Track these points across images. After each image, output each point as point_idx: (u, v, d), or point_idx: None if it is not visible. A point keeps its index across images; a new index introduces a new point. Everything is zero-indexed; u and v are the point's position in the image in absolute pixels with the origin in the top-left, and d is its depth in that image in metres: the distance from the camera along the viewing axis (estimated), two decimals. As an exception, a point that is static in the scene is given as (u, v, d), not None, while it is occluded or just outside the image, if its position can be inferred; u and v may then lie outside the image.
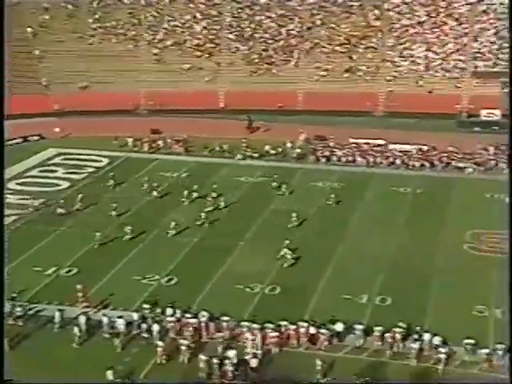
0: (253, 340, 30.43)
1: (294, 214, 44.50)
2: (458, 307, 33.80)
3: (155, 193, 49.88)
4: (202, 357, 29.35)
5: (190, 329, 31.60)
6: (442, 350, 29.61)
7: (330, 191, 49.78)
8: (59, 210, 46.29)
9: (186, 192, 48.82)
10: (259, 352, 29.46)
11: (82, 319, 32.17)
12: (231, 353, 29.64)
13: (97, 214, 46.38)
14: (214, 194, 48.57)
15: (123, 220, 44.99)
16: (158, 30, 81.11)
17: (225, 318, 32.10)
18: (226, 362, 29.04)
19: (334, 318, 31.99)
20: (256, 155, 58.13)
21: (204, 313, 32.65)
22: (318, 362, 28.77)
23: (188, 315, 32.57)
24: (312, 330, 31.24)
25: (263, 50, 78.14)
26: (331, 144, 59.89)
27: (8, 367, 24.26)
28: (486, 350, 29.70)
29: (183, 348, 30.35)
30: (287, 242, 40.11)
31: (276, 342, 30.78)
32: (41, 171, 55.12)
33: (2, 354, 24.88)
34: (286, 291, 35.92)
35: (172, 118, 67.37)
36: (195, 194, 48.78)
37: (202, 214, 44.86)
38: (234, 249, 41.08)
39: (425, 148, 57.85)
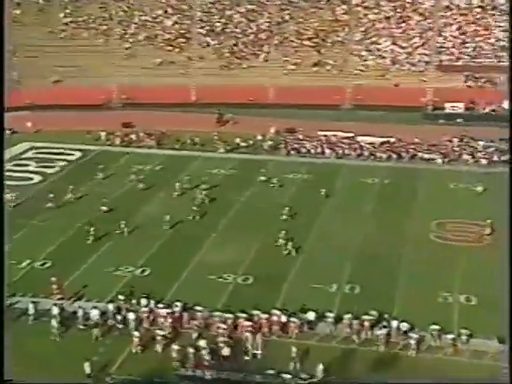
0: (224, 329, 30.60)
1: (264, 206, 44.48)
2: (424, 294, 34.28)
3: (141, 185, 49.61)
4: (175, 346, 29.43)
5: (164, 319, 31.61)
6: (414, 335, 30.00)
7: (300, 183, 50.05)
8: (49, 204, 45.83)
9: (178, 184, 48.64)
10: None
11: (55, 310, 32.00)
12: (202, 342, 29.72)
13: (74, 207, 46.17)
14: (204, 186, 48.62)
15: (99, 214, 44.79)
16: (130, 25, 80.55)
17: (198, 308, 32.18)
18: (203, 351, 29.12)
19: (305, 307, 32.26)
20: (228, 148, 58.16)
21: (178, 303, 32.69)
22: (294, 349, 28.98)
23: (161, 305, 32.57)
24: (283, 319, 31.46)
25: (233, 45, 78.06)
26: (301, 136, 60.19)
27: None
28: (451, 336, 30.19)
29: (158, 338, 30.37)
30: (283, 231, 40.31)
31: (249, 331, 30.93)
32: (13, 165, 54.45)
33: (2, 354, 24.82)
34: (259, 281, 36.07)
35: (144, 112, 67.01)
36: (180, 186, 48.62)
37: (194, 207, 44.61)
38: (206, 240, 41.12)
39: (392, 140, 58.43)
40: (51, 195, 46.70)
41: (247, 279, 36.44)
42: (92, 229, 40.86)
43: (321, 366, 28.13)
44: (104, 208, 45.02)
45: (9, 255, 37.96)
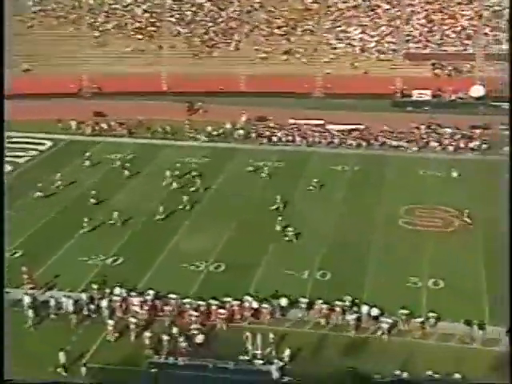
0: (197, 317, 30.66)
1: (236, 192, 44.59)
2: (393, 280, 34.59)
3: (126, 172, 49.46)
4: (147, 334, 29.38)
5: (137, 307, 31.51)
6: (387, 320, 30.26)
7: (272, 170, 50.12)
8: (37, 194, 45.24)
9: (168, 172, 48.32)
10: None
11: (27, 299, 31.69)
12: (174, 329, 29.69)
13: (43, 197, 45.67)
14: (195, 173, 48.71)
15: (69, 203, 44.38)
16: (99, 13, 79.52)
17: (171, 296, 32.12)
18: (179, 339, 29.08)
19: (278, 294, 32.35)
20: (199, 136, 57.89)
21: (150, 291, 32.58)
22: (271, 336, 29.03)
23: (134, 294, 32.43)
24: (255, 305, 31.54)
25: (204, 33, 77.52)
26: (271, 125, 60.16)
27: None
28: (420, 319, 30.54)
29: (131, 326, 30.27)
30: (280, 218, 40.48)
31: (223, 318, 31.00)
32: (-17, 155, 53.61)
33: (2, 354, 24.49)
34: (231, 268, 36.10)
35: (115, 101, 66.36)
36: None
37: (184, 197, 44.29)
38: (179, 228, 40.99)
39: (361, 127, 58.64)
40: (57, 180, 46.87)
41: (219, 267, 36.42)
42: (86, 219, 40.55)
43: (288, 351, 28.25)
44: (92, 200, 44.33)
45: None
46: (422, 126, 58.30)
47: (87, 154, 53.54)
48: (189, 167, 51.11)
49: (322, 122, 60.11)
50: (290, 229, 39.45)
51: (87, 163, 51.78)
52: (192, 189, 46.72)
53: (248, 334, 29.26)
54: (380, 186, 47.30)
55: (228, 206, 44.14)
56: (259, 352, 28.79)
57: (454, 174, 48.56)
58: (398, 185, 47.46)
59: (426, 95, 68.03)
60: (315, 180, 47.17)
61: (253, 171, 50.23)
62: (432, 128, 58.43)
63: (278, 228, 40.03)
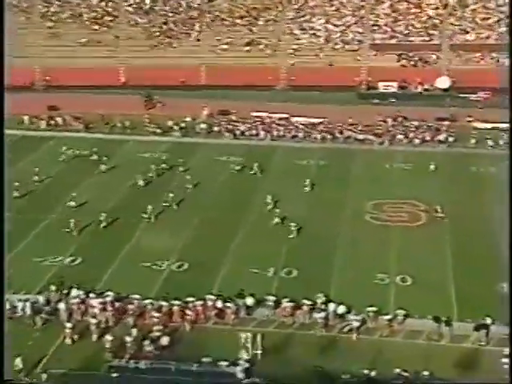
0: (159, 318, 30.65)
1: (199, 189, 44.74)
2: (360, 276, 34.93)
3: (102, 167, 49.26)
4: (108, 337, 29.20)
5: (96, 309, 31.31)
6: (356, 317, 30.60)
7: (235, 165, 50.23)
8: (15, 194, 44.66)
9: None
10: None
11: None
12: (134, 331, 29.61)
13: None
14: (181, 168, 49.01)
15: (22, 202, 43.89)
16: (52, 2, 78.48)
17: (133, 297, 32.04)
18: (144, 342, 29.02)
19: (243, 292, 32.46)
20: (159, 131, 57.72)
21: (109, 292, 32.43)
22: (243, 335, 29.01)
23: (93, 295, 32.24)
24: (219, 304, 31.61)
25: (163, 23, 77.15)
26: (234, 118, 60.22)
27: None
28: (388, 317, 30.92)
29: (92, 328, 30.10)
30: (278, 210, 40.94)
31: (188, 319, 31.08)
32: None
33: (2, 354, 25.07)
34: (194, 267, 36.11)
35: (70, 95, 65.70)
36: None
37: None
38: (139, 226, 40.86)
39: (326, 121, 58.98)
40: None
41: (182, 265, 36.41)
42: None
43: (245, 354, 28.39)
44: (72, 203, 43.62)
45: None
46: (389, 119, 58.93)
47: (42, 149, 52.99)
48: (149, 163, 50.92)
49: (286, 115, 60.36)
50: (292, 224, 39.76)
51: (42, 159, 51.15)
52: (153, 185, 46.53)
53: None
54: (346, 180, 47.70)
55: (191, 202, 44.11)
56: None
57: (432, 167, 49.11)
58: (364, 179, 47.91)
59: (392, 87, 68.81)
60: (279, 174, 47.41)
61: (218, 165, 50.31)
62: (398, 121, 59.13)
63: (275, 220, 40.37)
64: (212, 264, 36.34)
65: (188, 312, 31.05)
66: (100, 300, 31.77)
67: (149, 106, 64.85)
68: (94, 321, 30.41)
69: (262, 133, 57.20)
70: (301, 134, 56.89)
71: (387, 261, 36.60)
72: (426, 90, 68.63)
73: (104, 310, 31.39)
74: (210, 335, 30.45)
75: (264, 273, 35.51)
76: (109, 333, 29.69)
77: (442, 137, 55.38)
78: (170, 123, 58.52)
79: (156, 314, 30.97)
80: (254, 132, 57.49)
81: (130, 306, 31.49)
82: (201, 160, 52.01)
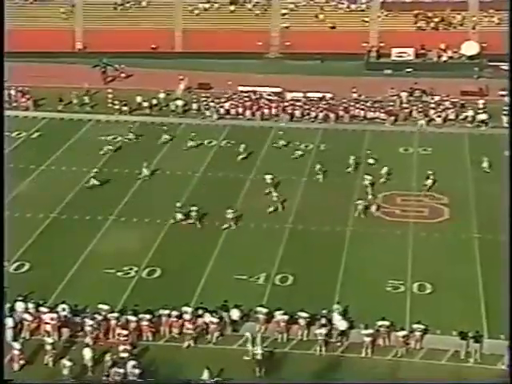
0: (125, 336, 30.65)
1: (176, 180, 44.86)
2: (370, 283, 35.02)
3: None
4: (66, 362, 29.01)
5: (49, 326, 31.24)
6: (367, 331, 30.62)
7: (217, 151, 50.23)
8: None
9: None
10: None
11: None
12: (87, 351, 29.54)
13: None
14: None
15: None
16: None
17: (93, 310, 31.99)
18: (108, 364, 29.00)
19: (227, 304, 32.47)
20: (126, 109, 57.60)
21: (64, 305, 32.35)
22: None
23: (45, 309, 32.13)
24: (200, 319, 31.63)
25: (129, -23, 76.93)
26: (217, 93, 60.09)
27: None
28: (403, 332, 30.96)
29: (47, 347, 30.00)
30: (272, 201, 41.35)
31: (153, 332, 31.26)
32: None
33: (2, 353, 27.26)
34: (168, 273, 36.13)
35: (15, 64, 65.17)
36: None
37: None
38: (102, 225, 40.83)
39: (328, 96, 59.00)
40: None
41: (153, 272, 36.40)
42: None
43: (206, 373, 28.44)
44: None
45: None
46: (403, 94, 58.98)
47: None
48: (114, 148, 50.84)
49: (279, 89, 60.30)
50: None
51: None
52: (119, 176, 46.65)
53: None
54: (351, 168, 47.56)
55: (164, 197, 44.05)
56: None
57: (456, 152, 49.26)
58: (374, 167, 47.84)
59: (408, 54, 68.88)
60: (274, 162, 47.41)
61: (195, 148, 50.39)
62: (416, 96, 59.19)
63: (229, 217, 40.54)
64: (189, 269, 36.33)
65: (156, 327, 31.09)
66: (53, 315, 31.67)
67: (107, 78, 64.53)
68: (49, 340, 30.32)
69: (250, 111, 57.14)
70: (297, 113, 56.87)
71: (402, 265, 36.70)
72: (449, 57, 68.77)
73: (60, 327, 31.32)
74: (187, 355, 30.44)
75: (253, 280, 35.52)
76: (66, 356, 29.62)
77: (468, 115, 55.46)
78: (138, 99, 58.34)
79: (123, 332, 30.92)
80: (240, 110, 57.40)
81: (91, 322, 31.43)
82: (177, 145, 51.84)
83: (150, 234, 39.82)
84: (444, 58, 68.91)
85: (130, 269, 36.53)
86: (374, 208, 42.17)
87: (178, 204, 41.56)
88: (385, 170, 46.19)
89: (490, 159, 46.86)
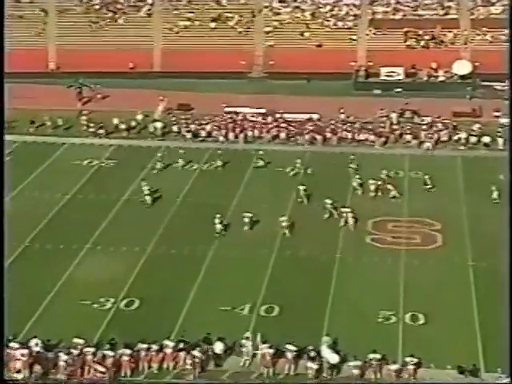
0: (102, 372, 30.49)
1: (155, 205, 45.14)
2: (360, 314, 34.98)
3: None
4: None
5: (19, 362, 30.98)
6: (356, 363, 30.65)
7: (201, 173, 50.53)
8: None
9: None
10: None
11: None
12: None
13: None
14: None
15: None
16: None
17: (78, 341, 31.85)
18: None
19: (209, 337, 32.39)
20: (102, 132, 57.61)
21: (36, 340, 32.14)
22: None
23: (15, 345, 31.86)
24: (182, 353, 31.51)
25: (106, -6, 77.29)
26: (198, 115, 60.21)
27: None
28: (395, 366, 30.94)
29: (17, 386, 29.87)
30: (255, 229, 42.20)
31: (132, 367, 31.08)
32: None
33: (2, 354, 27.80)
34: (147, 305, 36.00)
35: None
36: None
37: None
38: (77, 254, 40.70)
39: (315, 117, 59.25)
40: None
41: (132, 303, 36.29)
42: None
43: None
44: None
45: None
46: (394, 115, 59.32)
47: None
48: (90, 173, 50.87)
49: (262, 110, 60.51)
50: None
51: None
52: (95, 202, 46.76)
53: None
54: (340, 192, 47.71)
55: (143, 223, 44.07)
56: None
57: (449, 176, 49.54)
58: (363, 190, 47.91)
59: (398, 74, 69.33)
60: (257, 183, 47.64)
61: (178, 174, 50.42)
62: (406, 116, 59.54)
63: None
64: (170, 300, 36.24)
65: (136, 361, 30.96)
66: (24, 351, 31.42)
67: (82, 99, 64.55)
68: (19, 377, 30.08)
69: (233, 133, 57.26)
70: (283, 135, 57.06)
71: (393, 294, 36.68)
72: (440, 77, 69.21)
73: (32, 363, 31.09)
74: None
75: (237, 311, 35.46)
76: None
77: (462, 137, 55.76)
78: (115, 121, 58.43)
79: (100, 368, 30.75)
80: (223, 132, 57.51)
81: (65, 357, 31.22)
82: (158, 168, 51.85)
83: (127, 262, 39.70)
84: (434, 78, 69.27)
85: (107, 300, 36.35)
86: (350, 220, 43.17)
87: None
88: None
89: (498, 187, 46.23)
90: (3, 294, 32.09)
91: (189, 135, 57.32)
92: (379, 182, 47.51)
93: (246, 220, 43.24)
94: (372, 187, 47.26)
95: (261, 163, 51.91)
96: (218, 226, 42.41)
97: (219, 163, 51.98)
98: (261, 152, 53.24)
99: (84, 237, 42.28)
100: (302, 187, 47.02)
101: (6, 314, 32.06)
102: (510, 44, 63.92)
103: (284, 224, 42.47)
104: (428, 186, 47.60)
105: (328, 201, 44.56)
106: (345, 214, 43.23)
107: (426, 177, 48.08)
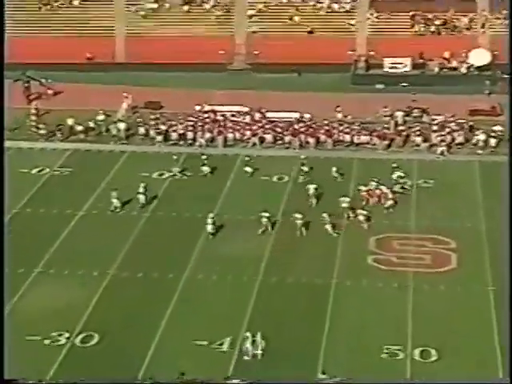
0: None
1: (113, 223, 45.21)
2: (362, 348, 35.01)
3: None
4: None
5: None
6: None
7: (171, 184, 50.47)
8: None
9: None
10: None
11: None
12: None
13: None
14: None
15: None
16: None
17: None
18: None
19: (183, 377, 32.26)
20: (56, 134, 57.56)
21: (-20, 382, 32.09)
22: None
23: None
24: (150, 397, 31.54)
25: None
26: (169, 114, 60.23)
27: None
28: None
29: None
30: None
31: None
32: None
33: (2, 354, 30.39)
34: (108, 340, 35.85)
35: None
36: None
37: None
38: (24, 280, 40.63)
39: (307, 116, 59.32)
40: None
41: (90, 337, 36.14)
42: None
43: None
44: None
45: None
46: (399, 113, 59.45)
47: None
48: (41, 183, 50.80)
49: (245, 108, 60.56)
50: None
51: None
52: (46, 217, 46.67)
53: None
54: (336, 204, 47.72)
55: (103, 241, 44.04)
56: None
57: (465, 184, 49.66)
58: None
59: (404, 65, 69.54)
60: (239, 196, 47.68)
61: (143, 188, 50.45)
62: (414, 116, 59.66)
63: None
64: (135, 334, 36.15)
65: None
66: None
67: (30, 96, 64.37)
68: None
69: (210, 135, 57.27)
70: (269, 137, 57.10)
71: (400, 325, 36.72)
72: (454, 68, 69.49)
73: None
74: None
75: (215, 346, 35.37)
76: None
77: (480, 139, 55.89)
78: (70, 122, 58.35)
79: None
80: (199, 135, 57.48)
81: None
82: (118, 179, 51.85)
83: (85, 289, 39.63)
84: (447, 70, 69.48)
85: (60, 335, 36.24)
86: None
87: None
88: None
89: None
90: (3, 294, 35.42)
91: (158, 138, 57.30)
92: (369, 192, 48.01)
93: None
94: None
95: (248, 170, 51.99)
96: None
97: (205, 169, 52.24)
98: (247, 158, 53.18)
99: (33, 259, 42.23)
100: (312, 186, 47.82)
101: None
102: (510, 42, 64.54)
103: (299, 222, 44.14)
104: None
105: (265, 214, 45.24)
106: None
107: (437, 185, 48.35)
